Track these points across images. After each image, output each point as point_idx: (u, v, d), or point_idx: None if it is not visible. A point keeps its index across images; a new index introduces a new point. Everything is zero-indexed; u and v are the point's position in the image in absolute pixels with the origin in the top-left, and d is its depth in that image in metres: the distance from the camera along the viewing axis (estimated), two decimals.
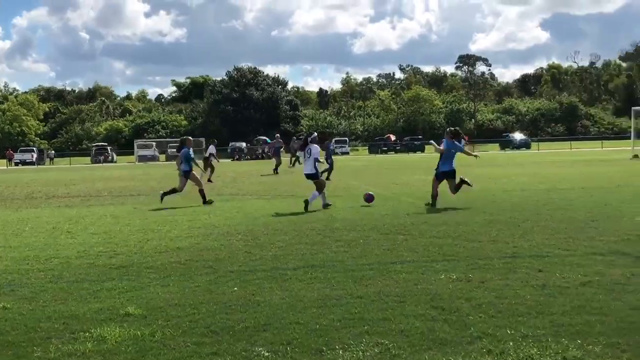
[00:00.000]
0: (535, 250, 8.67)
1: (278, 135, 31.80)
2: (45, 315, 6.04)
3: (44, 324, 5.76)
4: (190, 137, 17.57)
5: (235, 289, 6.88)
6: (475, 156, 16.85)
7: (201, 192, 16.28)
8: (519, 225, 10.92)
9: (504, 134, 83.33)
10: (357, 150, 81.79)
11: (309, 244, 9.53)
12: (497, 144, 75.54)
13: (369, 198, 14.72)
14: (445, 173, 14.48)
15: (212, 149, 26.91)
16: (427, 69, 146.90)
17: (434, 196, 14.18)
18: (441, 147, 14.73)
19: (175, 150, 18.22)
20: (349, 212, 13.40)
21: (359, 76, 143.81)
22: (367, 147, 78.80)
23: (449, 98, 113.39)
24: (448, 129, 15.33)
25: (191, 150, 16.73)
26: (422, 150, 70.04)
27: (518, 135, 77.56)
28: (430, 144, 16.99)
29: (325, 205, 14.38)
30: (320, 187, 14.45)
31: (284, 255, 8.75)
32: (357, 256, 8.54)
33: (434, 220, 11.80)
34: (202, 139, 68.10)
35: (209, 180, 23.78)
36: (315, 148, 14.74)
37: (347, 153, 70.30)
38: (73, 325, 5.68)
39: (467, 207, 13.69)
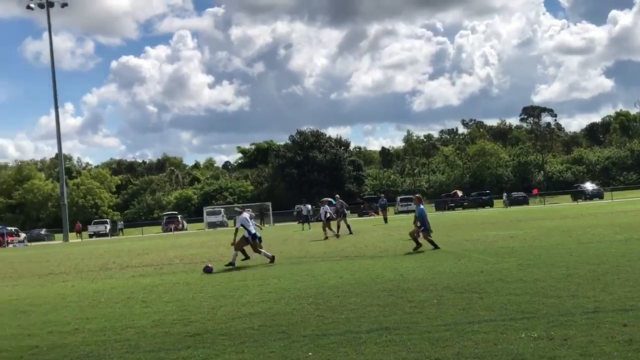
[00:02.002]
0: (618, 304, 8.32)
1: (338, 196, 31.74)
2: None
3: None
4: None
5: (310, 354, 6.80)
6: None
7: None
8: (598, 278, 10.53)
9: (575, 185, 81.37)
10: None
11: (381, 306, 9.39)
12: (569, 196, 73.71)
13: (208, 269, 16.14)
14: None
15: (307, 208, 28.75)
16: (491, 122, 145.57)
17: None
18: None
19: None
20: (420, 272, 13.19)
21: (420, 133, 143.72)
22: (433, 204, 78.02)
23: (516, 151, 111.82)
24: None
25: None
26: (491, 205, 68.86)
27: (590, 186, 75.49)
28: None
29: (230, 264, 17.01)
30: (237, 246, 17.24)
31: (357, 317, 8.63)
32: (432, 317, 8.36)
33: (509, 277, 11.49)
34: (269, 203, 68.96)
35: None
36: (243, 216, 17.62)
37: (413, 211, 69.56)
38: None
39: (543, 262, 13.32)
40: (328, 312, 9.19)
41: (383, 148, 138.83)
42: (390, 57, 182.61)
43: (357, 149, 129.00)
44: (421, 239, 17.96)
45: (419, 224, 18.04)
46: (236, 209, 19.16)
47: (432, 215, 58.44)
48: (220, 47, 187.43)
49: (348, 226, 29.89)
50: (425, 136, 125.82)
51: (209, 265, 16.64)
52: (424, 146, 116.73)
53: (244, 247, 17.63)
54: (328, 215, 28.79)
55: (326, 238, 26.94)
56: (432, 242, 17.93)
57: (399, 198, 75.22)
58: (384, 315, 8.68)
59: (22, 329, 9.76)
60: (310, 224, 43.81)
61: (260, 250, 17.50)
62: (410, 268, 13.91)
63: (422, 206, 18.23)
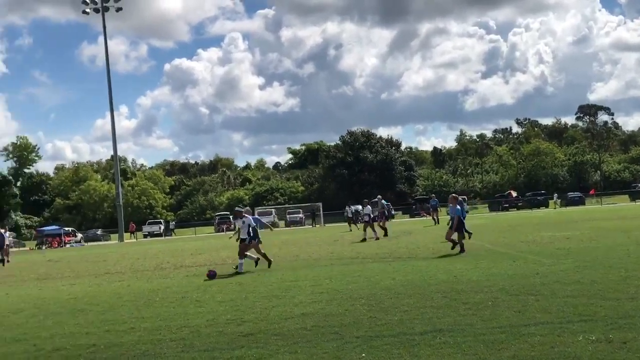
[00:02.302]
0: None
1: (380, 197, 31.50)
2: None
3: None
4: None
5: (363, 355, 6.78)
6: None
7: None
8: None
9: (633, 185, 79.32)
10: (477, 208, 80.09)
11: (434, 307, 9.30)
12: (627, 196, 71.86)
13: (211, 274, 15.81)
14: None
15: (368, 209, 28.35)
16: (545, 121, 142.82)
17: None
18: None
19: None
20: (474, 273, 13.03)
21: (473, 133, 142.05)
22: (486, 205, 76.95)
23: (571, 150, 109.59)
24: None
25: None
26: (546, 206, 67.62)
27: None
28: None
29: (238, 267, 16.80)
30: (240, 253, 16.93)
31: (410, 319, 8.57)
32: (487, 319, 8.24)
33: (566, 279, 11.26)
34: (320, 204, 69.12)
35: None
36: (248, 219, 17.13)
37: (467, 212, 68.86)
38: None
39: (600, 263, 13.01)
40: (381, 313, 9.15)
41: (435, 148, 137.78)
42: (441, 55, 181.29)
43: (409, 149, 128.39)
44: (454, 237, 17.95)
45: (449, 224, 18.35)
46: (236, 209, 18.38)
47: (486, 215, 57.72)
48: (271, 48, 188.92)
49: (385, 229, 29.41)
50: (478, 136, 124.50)
51: (212, 270, 16.37)
52: (477, 146, 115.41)
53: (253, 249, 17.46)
54: (371, 216, 28.65)
55: (364, 240, 26.83)
56: (454, 242, 17.84)
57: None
58: (438, 317, 8.60)
59: (80, 327, 9.98)
60: (358, 224, 43.65)
61: (260, 251, 17.42)
62: (464, 270, 13.75)
63: (457, 207, 17.94)
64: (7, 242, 34.01)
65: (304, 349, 7.24)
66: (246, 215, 17.50)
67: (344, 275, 14.33)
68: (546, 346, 6.63)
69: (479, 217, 51.73)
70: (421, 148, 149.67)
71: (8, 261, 32.06)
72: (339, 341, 7.53)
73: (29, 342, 8.99)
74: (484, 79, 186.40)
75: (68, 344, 8.63)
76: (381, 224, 29.31)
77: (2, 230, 30.42)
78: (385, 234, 28.44)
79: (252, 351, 7.34)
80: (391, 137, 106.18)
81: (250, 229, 17.07)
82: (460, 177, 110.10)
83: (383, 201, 30.39)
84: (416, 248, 20.69)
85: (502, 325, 7.80)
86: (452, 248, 17.71)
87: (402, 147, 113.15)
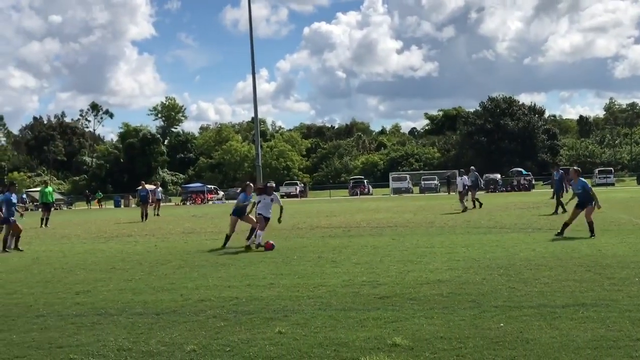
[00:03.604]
0: None
1: (473, 168, 30.06)
2: (317, 341, 6.32)
3: (316, 349, 6.04)
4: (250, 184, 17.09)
5: (502, 324, 6.67)
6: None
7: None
8: None
9: None
10: (624, 180, 75.90)
11: (577, 281, 8.97)
12: None
13: (269, 246, 14.85)
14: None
15: (465, 179, 27.60)
16: None
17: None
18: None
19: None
20: (621, 248, 12.41)
21: (623, 101, 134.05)
22: (635, 178, 72.68)
23: None
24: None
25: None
26: None
27: None
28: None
29: (258, 245, 15.03)
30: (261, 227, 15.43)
31: (551, 292, 8.31)
32: (634, 295, 7.85)
33: None
34: (456, 172, 68.04)
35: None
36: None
37: (613, 184, 65.52)
38: (343, 353, 5.88)
39: None
40: (520, 284, 8.93)
41: (581, 117, 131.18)
42: (591, 19, 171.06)
43: (552, 117, 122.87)
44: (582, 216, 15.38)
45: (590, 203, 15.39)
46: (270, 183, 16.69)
47: (635, 189, 54.54)
48: (410, 11, 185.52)
49: (474, 201, 28.40)
50: (628, 105, 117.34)
51: (271, 242, 15.20)
52: (627, 115, 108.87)
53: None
54: (465, 186, 27.83)
55: (465, 209, 26.32)
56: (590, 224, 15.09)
57: (596, 170, 71.12)
58: (581, 291, 8.28)
59: (222, 280, 10.47)
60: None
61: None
62: (610, 244, 13.13)
63: (582, 179, 15.77)
64: (158, 197, 36.35)
65: (440, 315, 7.22)
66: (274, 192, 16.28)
67: (481, 244, 14.09)
68: None
69: (626, 191, 49.00)
70: (566, 116, 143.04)
71: (157, 214, 34.23)
72: (476, 309, 7.44)
73: (177, 292, 9.54)
74: (637, 45, 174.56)
75: (212, 295, 9.08)
76: (474, 195, 28.32)
77: (154, 187, 32.32)
78: (480, 205, 27.58)
79: (387, 313, 7.40)
80: (534, 104, 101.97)
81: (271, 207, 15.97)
82: (608, 147, 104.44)
83: (476, 172, 29.25)
84: (558, 220, 19.94)
85: None
86: (593, 232, 14.90)
87: (546, 115, 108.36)
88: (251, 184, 17.16)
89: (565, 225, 15.44)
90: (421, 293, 8.56)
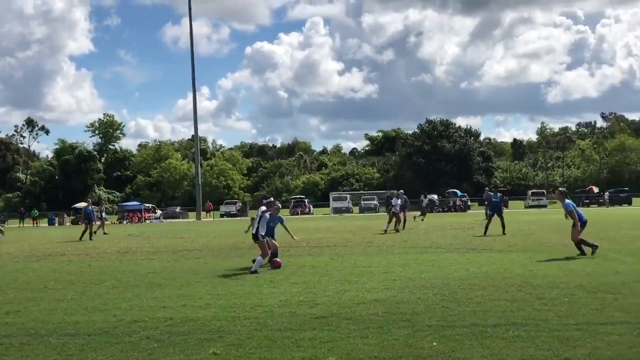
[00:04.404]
0: None
1: (402, 191, 30.88)
2: None
3: None
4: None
5: (435, 344, 6.78)
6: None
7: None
8: None
9: None
10: (556, 202, 78.03)
11: (508, 301, 9.19)
12: None
13: (276, 264, 14.35)
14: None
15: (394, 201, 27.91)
16: (632, 116, 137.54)
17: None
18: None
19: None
20: (551, 269, 12.77)
21: (555, 125, 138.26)
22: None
23: None
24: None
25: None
26: (629, 203, 65.29)
27: None
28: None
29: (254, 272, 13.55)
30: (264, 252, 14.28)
31: (483, 311, 8.49)
32: (563, 315, 8.09)
33: None
34: (395, 192, 68.78)
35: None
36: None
37: (545, 206, 67.22)
38: None
39: None
40: (453, 303, 9.10)
41: (515, 140, 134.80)
42: (525, 45, 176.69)
43: (487, 140, 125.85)
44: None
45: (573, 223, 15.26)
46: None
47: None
48: (351, 34, 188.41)
49: (400, 222, 28.27)
50: (561, 129, 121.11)
51: (278, 260, 14.71)
52: (559, 139, 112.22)
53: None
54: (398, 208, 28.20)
55: (385, 231, 26.61)
56: (582, 244, 15.14)
57: (529, 192, 72.96)
58: (512, 310, 8.49)
59: (157, 301, 10.32)
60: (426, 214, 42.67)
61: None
62: (540, 264, 13.50)
63: (568, 201, 15.62)
64: (100, 216, 35.76)
65: (375, 335, 7.29)
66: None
67: (417, 264, 14.29)
68: (623, 346, 6.47)
69: (558, 212, 50.41)
70: (500, 139, 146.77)
71: (105, 233, 33.79)
72: (411, 329, 7.54)
73: (110, 312, 9.36)
74: (569, 71, 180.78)
75: (146, 316, 8.94)
76: (404, 216, 28.59)
77: (89, 205, 31.67)
78: (396, 229, 27.33)
79: (323, 333, 7.44)
80: (470, 127, 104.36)
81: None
82: (540, 170, 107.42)
83: (404, 196, 29.59)
84: (492, 240, 20.39)
85: (579, 322, 7.64)
86: (582, 252, 14.83)
87: (481, 138, 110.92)
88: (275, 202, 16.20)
89: (582, 242, 15.08)
90: (357, 313, 8.62)
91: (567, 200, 15.53)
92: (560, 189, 16.72)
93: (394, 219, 27.62)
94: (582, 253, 14.73)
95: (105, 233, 33.86)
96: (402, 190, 31.08)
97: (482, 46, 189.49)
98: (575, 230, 15.20)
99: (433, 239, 21.92)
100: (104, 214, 37.68)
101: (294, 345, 6.93)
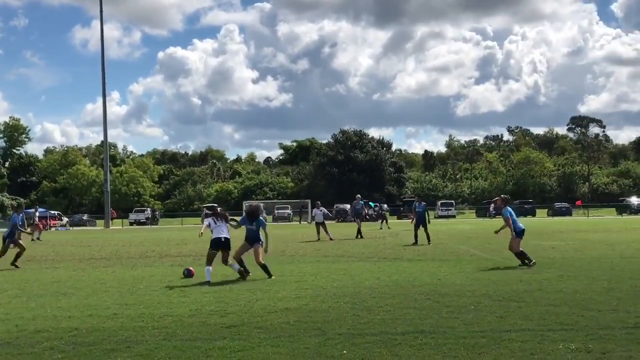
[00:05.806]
0: None
1: (359, 196, 31.57)
2: None
3: None
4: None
5: (345, 352, 6.82)
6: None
7: None
8: None
9: (621, 198, 79.68)
10: (464, 213, 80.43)
11: (417, 309, 9.36)
12: (614, 209, 72.23)
13: (189, 273, 14.20)
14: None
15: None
16: (537, 130, 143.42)
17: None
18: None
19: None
20: (458, 277, 13.11)
21: (463, 138, 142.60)
22: (474, 211, 77.23)
23: (561, 161, 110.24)
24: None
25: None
26: (533, 215, 67.89)
27: (636, 200, 73.51)
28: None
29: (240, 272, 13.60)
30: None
31: (392, 319, 8.62)
32: (469, 323, 8.30)
33: (549, 287, 11.35)
34: (308, 201, 69.11)
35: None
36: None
37: (454, 216, 69.13)
38: None
39: (584, 274, 13.11)
40: (364, 312, 9.19)
41: (425, 151, 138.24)
42: (435, 59, 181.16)
43: (399, 151, 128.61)
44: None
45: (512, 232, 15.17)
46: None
47: (473, 221, 57.87)
48: (266, 42, 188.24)
49: (321, 232, 28.76)
50: (469, 141, 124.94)
51: (190, 268, 14.61)
52: (467, 151, 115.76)
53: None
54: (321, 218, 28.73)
55: (318, 239, 27.13)
56: (521, 256, 15.02)
57: (439, 202, 74.85)
58: (420, 318, 8.65)
59: (62, 310, 9.98)
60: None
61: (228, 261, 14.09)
62: (448, 273, 13.83)
63: (509, 208, 15.55)
64: (33, 221, 34.56)
65: (286, 343, 7.28)
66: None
67: (329, 272, 14.38)
68: (526, 352, 6.69)
69: (466, 222, 51.90)
70: (412, 151, 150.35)
71: (38, 238, 32.75)
72: (321, 337, 7.56)
73: (12, 322, 8.98)
74: (477, 85, 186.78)
75: (50, 326, 8.63)
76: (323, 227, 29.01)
77: (32, 210, 30.68)
78: (331, 238, 27.45)
79: (234, 343, 7.36)
80: (382, 138, 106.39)
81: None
82: (449, 181, 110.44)
83: (322, 208, 29.95)
84: (402, 249, 20.77)
85: (484, 329, 7.86)
86: (523, 263, 14.79)
87: (393, 149, 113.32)
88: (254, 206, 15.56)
89: (521, 254, 14.99)
90: (268, 322, 8.59)
91: (507, 208, 15.52)
92: (502, 195, 16.51)
93: (321, 229, 27.94)
94: (523, 263, 14.75)
95: (37, 238, 32.97)
96: (319, 202, 31.23)
97: (394, 59, 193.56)
98: (513, 240, 15.11)
99: (345, 248, 22.13)
100: (36, 219, 37.05)
101: (204, 355, 6.83)
